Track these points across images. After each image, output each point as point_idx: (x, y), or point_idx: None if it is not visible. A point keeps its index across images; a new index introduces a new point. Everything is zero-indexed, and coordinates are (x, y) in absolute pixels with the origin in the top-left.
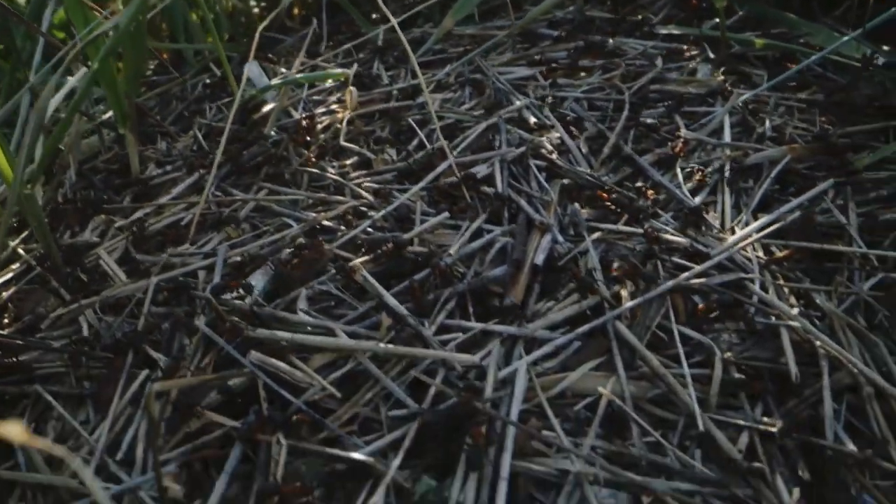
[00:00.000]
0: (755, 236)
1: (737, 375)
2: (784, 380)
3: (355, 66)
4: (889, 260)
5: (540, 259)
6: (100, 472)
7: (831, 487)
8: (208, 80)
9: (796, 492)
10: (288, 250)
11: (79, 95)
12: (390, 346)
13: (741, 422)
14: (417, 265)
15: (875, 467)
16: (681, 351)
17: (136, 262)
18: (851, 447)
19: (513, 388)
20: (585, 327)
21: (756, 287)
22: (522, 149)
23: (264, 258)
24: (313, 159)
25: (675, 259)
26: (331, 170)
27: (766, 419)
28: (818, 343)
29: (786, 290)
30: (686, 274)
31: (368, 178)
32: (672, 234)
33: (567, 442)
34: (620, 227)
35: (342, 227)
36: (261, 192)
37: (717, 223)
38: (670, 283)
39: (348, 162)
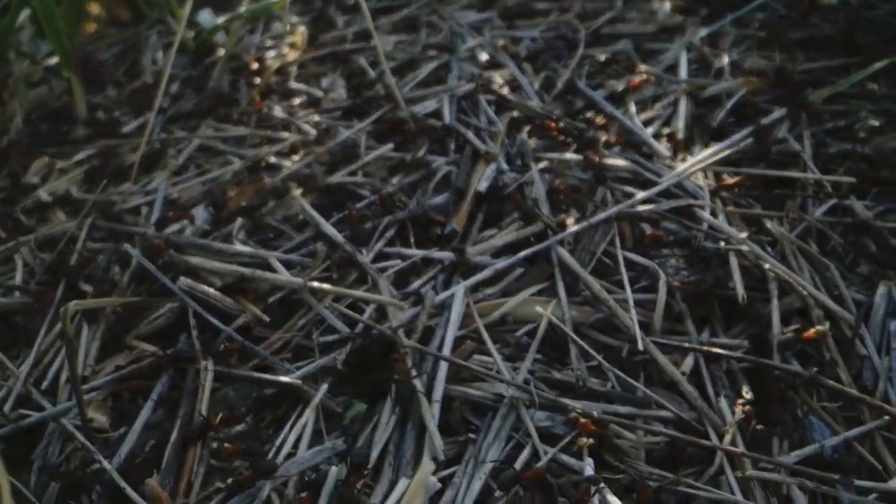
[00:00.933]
0: (705, 163)
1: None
2: (732, 304)
3: (311, 15)
4: (843, 186)
5: (483, 186)
6: (24, 402)
7: (776, 408)
8: (161, 30)
9: (738, 411)
10: (229, 185)
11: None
12: (315, 283)
13: (686, 345)
14: (359, 196)
15: (822, 386)
16: (625, 276)
17: (77, 201)
18: (798, 367)
19: (449, 313)
20: (527, 252)
21: (706, 214)
22: (472, 84)
23: (205, 193)
24: (261, 100)
25: (626, 188)
26: (279, 109)
27: (712, 341)
28: (767, 266)
29: (736, 216)
30: (632, 200)
31: (316, 116)
32: (620, 161)
33: (503, 367)
34: (567, 155)
35: (286, 163)
36: (207, 131)
37: (669, 153)
38: (614, 208)
39: (297, 101)
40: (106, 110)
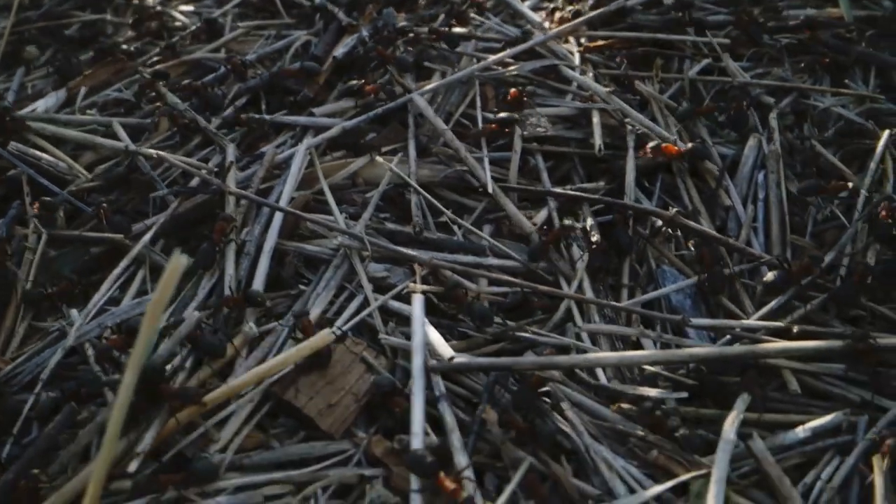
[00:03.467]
0: (575, 24)
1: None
2: (593, 161)
3: None
4: (720, 48)
5: (340, 53)
6: None
7: (621, 232)
8: None
9: (586, 257)
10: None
11: None
12: (149, 149)
13: (539, 188)
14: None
15: (681, 227)
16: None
17: None
18: (655, 208)
19: (287, 172)
20: (378, 110)
21: (574, 73)
22: None
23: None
24: None
25: (491, 54)
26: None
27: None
28: (627, 120)
29: (606, 77)
30: (494, 58)
31: (190, 6)
32: (489, 22)
33: (340, 219)
34: (434, 27)
35: (150, 48)
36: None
37: (540, 19)
38: (473, 66)
39: None
40: None
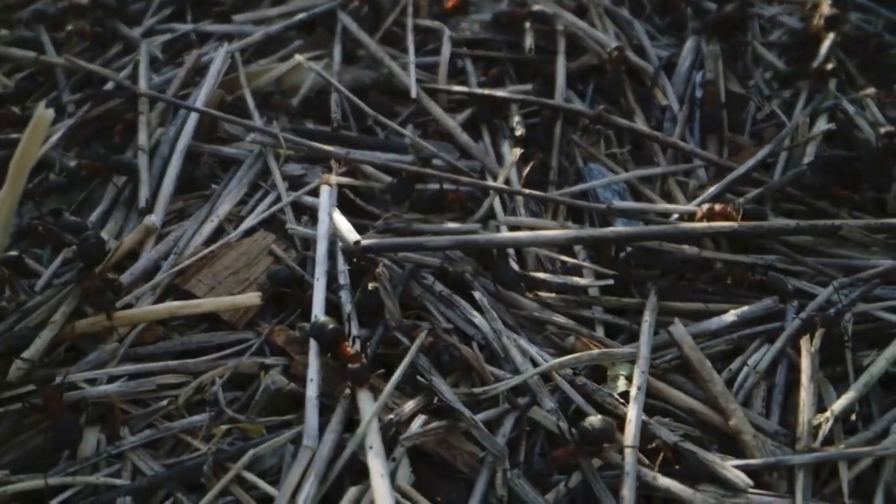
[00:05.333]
0: None
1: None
2: (524, 65)
3: None
4: None
5: None
6: None
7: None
8: None
9: (517, 152)
10: None
11: None
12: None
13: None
14: None
15: (608, 124)
16: (410, 39)
17: None
18: (583, 107)
19: (206, 75)
20: (303, 15)
21: None
22: None
23: None
24: None
25: None
26: None
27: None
28: (559, 21)
29: None
30: None
31: None
32: None
33: (259, 121)
34: None
35: None
36: None
37: None
38: None
39: None
40: None
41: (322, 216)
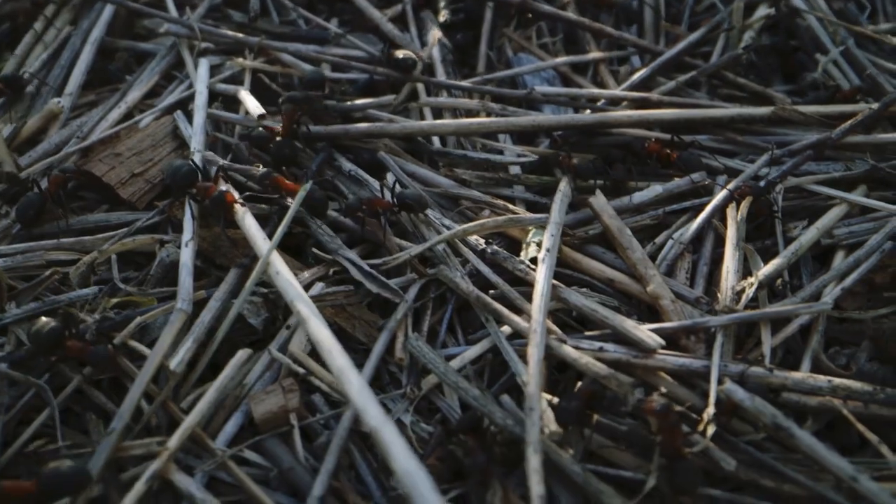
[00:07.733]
0: None
1: None
2: None
3: None
4: None
5: None
6: None
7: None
8: None
9: (436, 33)
10: None
11: None
12: None
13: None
14: None
15: (532, 12)
16: None
17: None
18: None
19: None
20: None
21: None
22: None
23: None
24: None
25: None
26: None
27: None
28: None
29: None
30: None
31: None
32: None
33: (175, 11)
34: None
35: None
36: None
37: None
38: None
39: None
40: None
41: (199, 87)
